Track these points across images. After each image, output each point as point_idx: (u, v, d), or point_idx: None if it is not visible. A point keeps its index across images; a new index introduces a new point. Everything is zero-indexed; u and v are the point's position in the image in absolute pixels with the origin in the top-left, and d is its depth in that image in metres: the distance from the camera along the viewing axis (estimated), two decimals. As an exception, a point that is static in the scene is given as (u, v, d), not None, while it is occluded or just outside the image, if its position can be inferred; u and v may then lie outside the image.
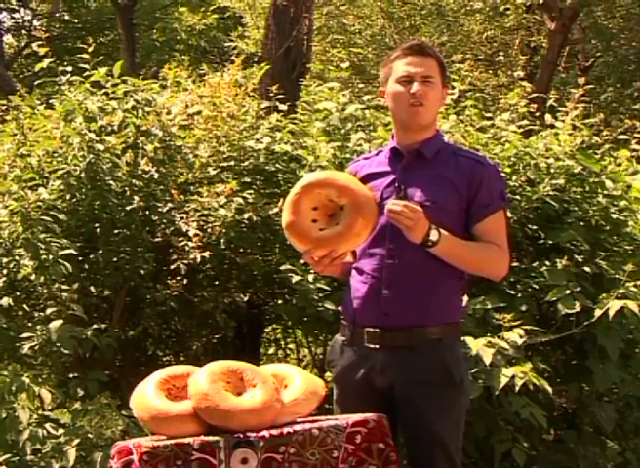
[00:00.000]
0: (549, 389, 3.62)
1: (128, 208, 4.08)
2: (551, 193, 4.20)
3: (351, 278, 2.75)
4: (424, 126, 2.71)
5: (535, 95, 5.15)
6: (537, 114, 4.90)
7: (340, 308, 2.81)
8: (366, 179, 2.72)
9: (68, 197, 4.10)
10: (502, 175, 2.80)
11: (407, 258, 2.60)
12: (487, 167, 2.71)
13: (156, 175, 4.20)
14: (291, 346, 5.14)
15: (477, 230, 2.67)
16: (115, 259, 4.09)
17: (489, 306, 3.87)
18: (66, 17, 18.43)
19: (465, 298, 3.76)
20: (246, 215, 4.08)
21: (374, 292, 2.66)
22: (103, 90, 4.36)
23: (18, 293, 4.10)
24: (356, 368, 2.68)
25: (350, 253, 2.76)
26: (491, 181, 2.69)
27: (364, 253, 2.71)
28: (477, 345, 3.56)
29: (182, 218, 4.08)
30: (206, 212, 4.08)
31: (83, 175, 4.05)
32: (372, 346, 2.65)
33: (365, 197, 2.58)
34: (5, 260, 3.95)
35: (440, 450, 2.61)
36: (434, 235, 2.56)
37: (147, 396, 2.45)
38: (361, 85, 10.07)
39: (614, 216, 4.29)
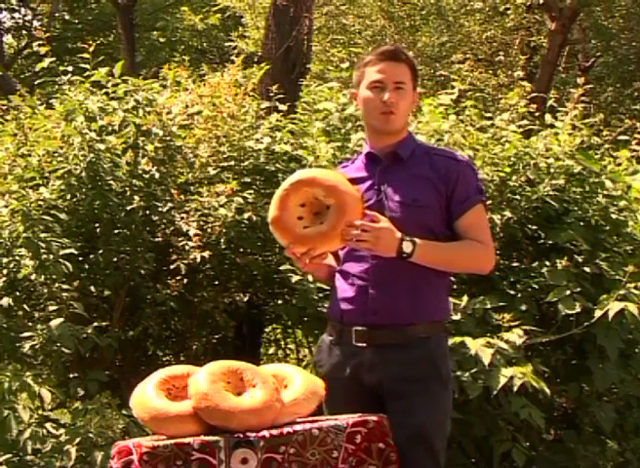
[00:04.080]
0: (548, 391, 3.62)
1: (128, 208, 4.08)
2: (551, 193, 4.20)
3: (336, 280, 2.78)
4: (396, 131, 2.74)
5: (535, 95, 5.15)
6: (537, 114, 4.90)
7: (325, 310, 2.84)
8: None
9: (69, 197, 4.10)
10: (476, 170, 2.84)
11: (392, 258, 2.60)
12: (461, 163, 2.75)
13: (156, 175, 4.20)
14: (291, 346, 5.14)
15: (458, 226, 2.70)
16: (115, 259, 4.09)
17: (488, 306, 3.87)
18: (66, 17, 18.43)
19: (465, 298, 3.79)
20: (246, 215, 4.08)
21: (361, 293, 2.69)
22: (104, 90, 4.36)
23: (18, 293, 4.09)
24: (343, 365, 2.70)
25: (333, 258, 2.78)
26: (467, 177, 2.72)
27: (349, 255, 2.73)
28: (476, 345, 3.56)
29: (182, 218, 4.08)
30: (206, 212, 4.08)
31: (83, 174, 4.05)
32: (360, 345, 2.67)
33: (352, 198, 2.59)
34: (5, 260, 3.95)
35: (425, 446, 2.62)
36: (407, 247, 2.57)
37: (147, 396, 2.45)
38: (361, 85, 10.03)
39: (614, 216, 4.29)
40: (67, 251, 3.84)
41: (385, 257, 2.60)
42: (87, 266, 4.13)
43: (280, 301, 4.32)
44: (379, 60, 2.71)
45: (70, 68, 4.48)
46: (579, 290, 3.92)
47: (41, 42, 4.57)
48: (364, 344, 2.66)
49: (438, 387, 2.64)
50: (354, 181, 2.73)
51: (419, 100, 3.07)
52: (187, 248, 3.99)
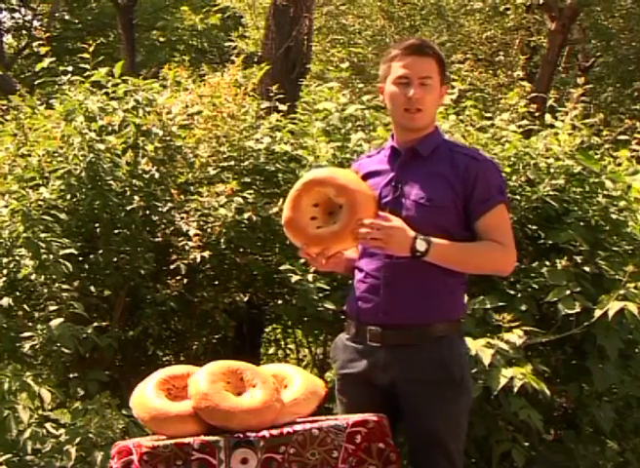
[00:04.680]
0: (548, 392, 3.62)
1: (128, 208, 4.08)
2: (551, 193, 4.20)
3: (354, 277, 2.76)
4: (421, 127, 2.70)
5: (535, 95, 5.16)
6: (537, 114, 4.90)
7: (344, 307, 2.83)
8: (366, 178, 2.72)
9: (69, 197, 4.10)
10: (500, 169, 2.78)
11: (404, 257, 2.58)
12: (482, 162, 2.69)
13: (156, 175, 4.20)
14: (291, 346, 5.14)
15: (478, 227, 2.65)
16: (115, 259, 4.10)
17: (488, 306, 3.87)
18: (66, 17, 18.43)
19: (465, 298, 3.78)
20: (246, 215, 4.08)
21: (374, 291, 2.67)
22: (104, 90, 4.37)
23: (18, 293, 4.10)
24: (357, 362, 2.69)
25: (356, 249, 2.77)
26: (487, 177, 2.66)
27: (364, 252, 2.72)
28: (476, 346, 3.56)
29: (182, 218, 4.09)
30: (206, 212, 4.08)
31: (83, 174, 4.05)
32: (374, 344, 2.65)
33: (364, 197, 2.57)
34: (5, 260, 3.96)
35: (440, 450, 2.61)
36: (421, 245, 2.53)
37: (147, 396, 2.45)
38: (361, 85, 10.05)
39: (614, 216, 4.29)
40: (67, 251, 3.84)
41: (399, 256, 2.58)
42: (87, 266, 4.13)
43: (280, 301, 4.32)
44: (404, 55, 2.66)
45: (70, 68, 4.48)
46: (578, 289, 3.91)
47: (41, 42, 4.58)
48: (378, 344, 2.64)
49: (450, 391, 2.62)
50: (374, 175, 2.72)
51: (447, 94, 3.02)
52: (187, 248, 3.99)
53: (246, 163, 4.36)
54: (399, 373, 2.62)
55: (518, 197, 4.23)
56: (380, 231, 2.51)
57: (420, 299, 2.62)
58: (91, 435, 3.51)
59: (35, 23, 17.56)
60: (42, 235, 3.80)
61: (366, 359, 2.67)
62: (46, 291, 3.95)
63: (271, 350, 5.27)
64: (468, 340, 3.56)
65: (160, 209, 4.16)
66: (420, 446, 2.62)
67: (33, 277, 3.87)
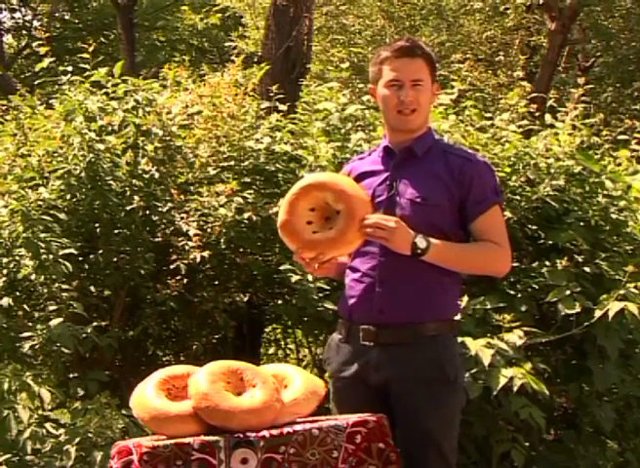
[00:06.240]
0: (547, 392, 3.62)
1: (128, 208, 4.08)
2: (551, 193, 4.20)
3: (346, 277, 2.76)
4: (415, 128, 2.72)
5: (535, 95, 5.16)
6: (537, 114, 4.90)
7: (337, 307, 2.83)
8: (359, 178, 2.73)
9: (69, 197, 4.10)
10: (494, 170, 2.79)
11: (399, 256, 2.59)
12: (476, 163, 2.70)
13: (156, 175, 4.20)
14: (291, 346, 5.14)
15: (474, 228, 2.67)
16: (115, 259, 4.10)
17: (489, 306, 3.87)
18: (66, 17, 18.43)
19: (465, 298, 3.79)
20: (246, 215, 4.08)
21: (368, 290, 2.67)
22: (104, 90, 4.37)
23: (18, 293, 4.10)
24: (350, 364, 2.69)
25: (348, 254, 2.77)
26: (482, 178, 2.68)
27: (357, 251, 2.72)
28: (476, 346, 3.56)
29: (182, 218, 4.09)
30: (206, 211, 4.08)
31: (83, 174, 4.06)
32: (367, 343, 2.66)
33: (361, 203, 2.57)
34: (5, 260, 3.96)
35: (434, 449, 2.61)
36: (421, 243, 2.54)
37: (147, 396, 2.45)
38: (361, 85, 10.04)
39: (614, 216, 4.29)
40: (67, 251, 3.84)
41: (392, 254, 2.59)
42: (87, 266, 4.13)
43: (280, 301, 4.32)
44: (394, 58, 2.68)
45: (70, 68, 4.48)
46: (579, 290, 3.92)
47: (41, 42, 4.58)
48: (371, 343, 2.65)
49: (444, 389, 2.62)
50: (367, 175, 2.73)
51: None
52: (187, 248, 3.99)
53: (246, 163, 4.36)
54: (393, 372, 2.62)
55: (518, 197, 4.23)
56: (388, 222, 2.52)
57: (415, 298, 2.63)
58: (91, 435, 3.51)
59: (35, 23, 17.56)
60: (42, 235, 3.81)
61: (358, 359, 2.67)
62: (46, 291, 3.95)
63: (271, 350, 5.27)
64: (468, 340, 3.57)
65: (160, 209, 4.16)
66: (414, 444, 2.61)
67: (33, 277, 3.87)
